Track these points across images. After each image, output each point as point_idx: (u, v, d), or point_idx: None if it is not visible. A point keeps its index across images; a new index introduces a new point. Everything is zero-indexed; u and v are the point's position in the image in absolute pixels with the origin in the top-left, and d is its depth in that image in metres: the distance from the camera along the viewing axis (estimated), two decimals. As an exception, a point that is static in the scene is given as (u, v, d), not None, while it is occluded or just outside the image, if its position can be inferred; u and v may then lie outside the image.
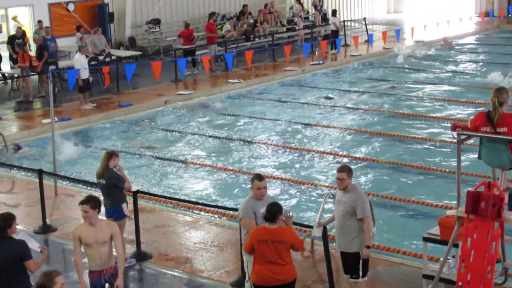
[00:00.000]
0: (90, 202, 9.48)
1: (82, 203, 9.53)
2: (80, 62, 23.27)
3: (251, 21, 35.06)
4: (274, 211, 9.35)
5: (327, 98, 25.39)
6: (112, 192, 11.98)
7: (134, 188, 12.70)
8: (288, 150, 19.26)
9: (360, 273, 10.04)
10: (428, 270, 9.95)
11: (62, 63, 26.76)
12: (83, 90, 23.58)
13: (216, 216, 14.81)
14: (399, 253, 12.61)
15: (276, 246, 9.24)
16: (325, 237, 10.70)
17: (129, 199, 12.58)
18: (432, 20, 36.62)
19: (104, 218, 11.08)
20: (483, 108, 16.31)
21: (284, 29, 37.05)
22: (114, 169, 11.97)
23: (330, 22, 34.90)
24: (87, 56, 24.58)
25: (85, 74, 23.21)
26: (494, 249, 8.78)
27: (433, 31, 35.75)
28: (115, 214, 12.02)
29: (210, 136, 20.97)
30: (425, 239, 9.97)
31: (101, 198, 10.98)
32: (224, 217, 14.64)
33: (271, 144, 19.87)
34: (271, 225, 9.33)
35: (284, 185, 16.60)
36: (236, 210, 11.45)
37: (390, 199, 15.37)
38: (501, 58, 31.76)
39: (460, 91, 25.77)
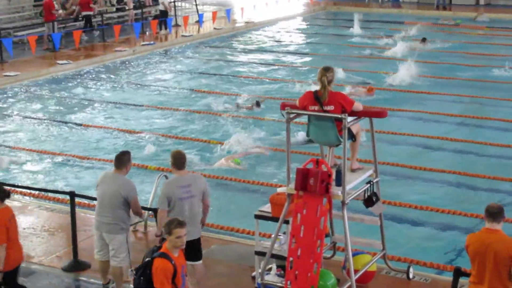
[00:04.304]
0: None
1: None
2: None
3: (80, 0, 34.29)
4: None
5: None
6: None
7: (-43, 174, 12.16)
8: (120, 133, 19.02)
9: None
10: (260, 247, 10.09)
11: None
12: None
13: (47, 201, 14.43)
14: (232, 231, 12.74)
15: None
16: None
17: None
18: (262, 0, 37.14)
19: None
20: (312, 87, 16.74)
21: (114, 8, 36.47)
22: None
23: (159, 2, 34.64)
24: None
25: None
26: (322, 224, 9.02)
27: (263, 11, 36.27)
28: None
29: (38, 119, 20.37)
30: (257, 217, 10.09)
31: None
32: (55, 202, 14.29)
33: (101, 127, 19.55)
34: None
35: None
36: (67, 194, 11.21)
37: (222, 179, 15.49)
38: (326, 39, 32.71)
39: (290, 70, 26.31)
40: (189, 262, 9.74)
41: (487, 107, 20.93)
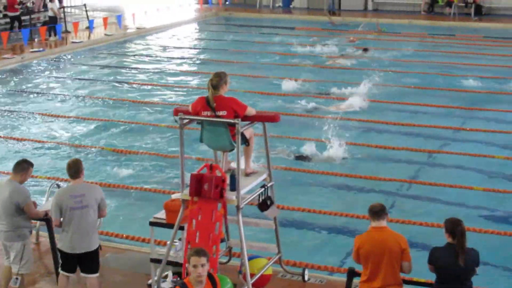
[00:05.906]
0: None
1: None
2: None
3: (-36, 6, 33.46)
4: None
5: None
6: None
7: None
8: (6, 141, 18.56)
9: None
10: (155, 254, 10.02)
11: None
12: None
13: None
14: (127, 239, 12.60)
15: None
16: (49, 229, 10.46)
17: None
18: (153, 6, 36.94)
19: None
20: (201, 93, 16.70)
21: (1, 15, 35.58)
22: None
23: (48, 8, 33.99)
24: None
25: None
26: (218, 229, 9.04)
27: (154, 17, 36.10)
28: None
29: None
30: (152, 224, 10.02)
31: None
32: None
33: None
34: None
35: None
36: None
37: (114, 187, 15.29)
38: (218, 44, 32.81)
39: (182, 76, 26.26)
40: (82, 275, 9.57)
41: (374, 110, 21.35)
